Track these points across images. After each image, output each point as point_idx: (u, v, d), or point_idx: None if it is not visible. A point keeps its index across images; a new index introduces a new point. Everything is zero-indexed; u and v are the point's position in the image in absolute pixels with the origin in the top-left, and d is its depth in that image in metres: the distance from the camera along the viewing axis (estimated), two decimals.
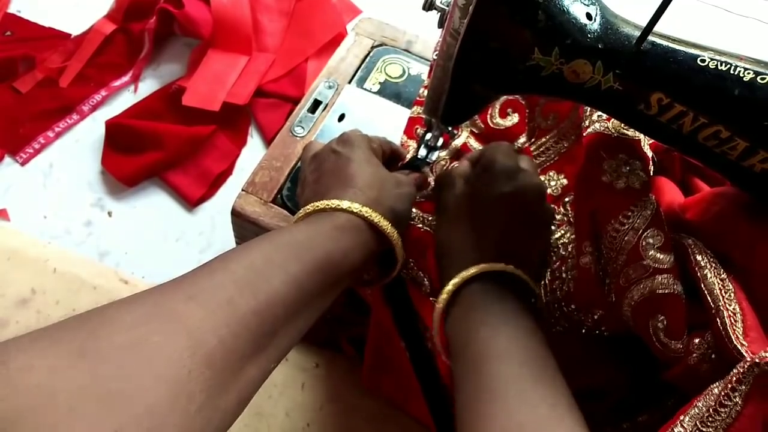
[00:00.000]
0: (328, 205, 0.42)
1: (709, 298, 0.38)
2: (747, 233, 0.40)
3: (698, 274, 0.39)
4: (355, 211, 0.42)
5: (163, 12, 0.73)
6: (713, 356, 0.38)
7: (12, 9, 0.78)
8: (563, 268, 0.46)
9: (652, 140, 0.45)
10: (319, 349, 0.55)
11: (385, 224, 0.43)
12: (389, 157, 0.53)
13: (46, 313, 0.56)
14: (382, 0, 0.80)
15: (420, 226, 0.52)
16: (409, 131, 0.56)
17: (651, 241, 0.39)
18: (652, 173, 0.43)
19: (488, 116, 0.57)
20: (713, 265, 0.39)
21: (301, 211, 0.44)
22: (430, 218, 0.52)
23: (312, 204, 0.43)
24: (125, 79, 0.74)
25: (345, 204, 0.42)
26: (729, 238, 0.41)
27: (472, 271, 0.42)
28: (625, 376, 0.45)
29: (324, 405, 0.52)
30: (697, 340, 0.39)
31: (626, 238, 0.40)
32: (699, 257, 0.39)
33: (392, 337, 0.48)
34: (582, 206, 0.43)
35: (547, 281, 0.47)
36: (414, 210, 0.52)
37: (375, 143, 0.50)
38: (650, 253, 0.39)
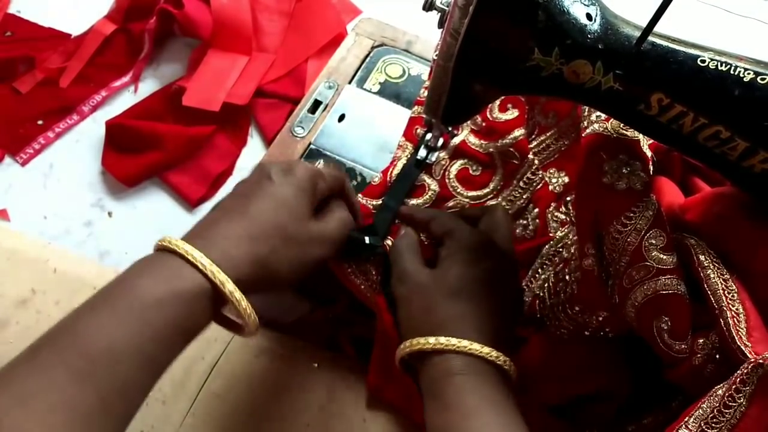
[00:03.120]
0: (175, 246, 0.37)
1: (712, 299, 0.38)
2: (747, 234, 0.40)
3: (701, 274, 0.39)
4: (204, 272, 0.37)
5: (163, 12, 0.73)
6: (717, 357, 0.38)
7: (12, 9, 0.78)
8: (566, 270, 0.46)
9: (652, 140, 0.45)
10: (319, 349, 0.55)
11: (234, 297, 0.37)
12: (338, 192, 0.48)
13: (46, 313, 0.56)
14: (382, 0, 0.80)
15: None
16: (408, 132, 0.56)
17: (653, 242, 0.39)
18: (651, 173, 0.43)
19: (488, 111, 0.57)
20: (716, 265, 0.39)
21: (162, 240, 0.39)
22: None
23: (167, 240, 0.38)
24: (125, 79, 0.73)
25: (198, 259, 0.37)
26: (730, 239, 0.41)
27: (479, 349, 0.40)
28: (629, 378, 0.45)
29: (324, 405, 0.52)
30: (701, 341, 0.39)
31: (629, 240, 0.40)
32: (702, 257, 0.39)
33: (395, 344, 0.47)
34: (583, 208, 0.43)
35: (550, 283, 0.47)
36: None
37: (323, 183, 0.45)
38: (653, 254, 0.39)
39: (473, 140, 0.56)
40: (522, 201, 0.53)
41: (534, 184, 0.53)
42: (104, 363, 0.32)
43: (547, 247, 0.50)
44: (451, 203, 0.53)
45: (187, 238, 0.39)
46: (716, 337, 0.38)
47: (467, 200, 0.54)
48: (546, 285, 0.48)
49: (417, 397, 0.47)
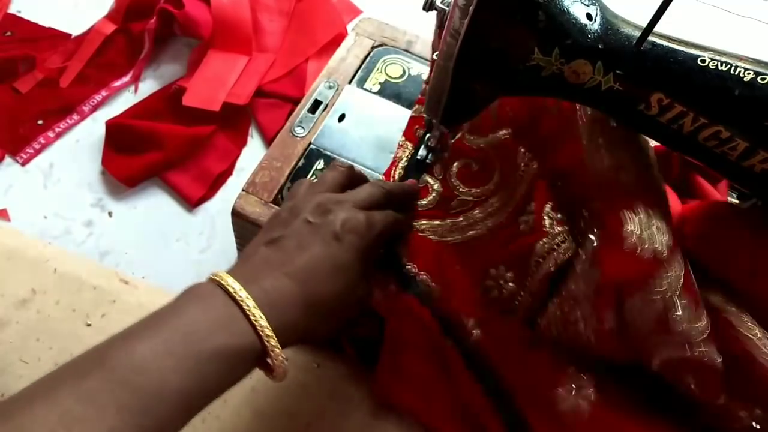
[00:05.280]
0: (240, 300, 0.37)
1: None
2: (748, 260, 0.40)
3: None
4: (260, 334, 0.37)
5: (163, 12, 0.73)
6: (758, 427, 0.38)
7: (12, 9, 0.78)
8: (578, 315, 0.44)
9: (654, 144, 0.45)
10: (319, 349, 0.55)
11: (279, 360, 0.38)
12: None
13: (46, 313, 0.56)
14: (382, 0, 0.80)
15: (432, 237, 0.51)
16: (408, 132, 0.56)
17: (679, 314, 0.38)
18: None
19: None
20: None
21: (221, 279, 0.38)
22: (439, 224, 0.52)
23: (230, 286, 0.37)
24: (125, 79, 0.74)
25: (259, 320, 0.37)
26: (730, 265, 0.40)
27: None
28: None
29: (324, 404, 0.52)
30: (742, 413, 0.38)
31: (653, 309, 0.38)
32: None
33: (419, 346, 0.46)
34: (605, 274, 0.41)
35: (557, 316, 0.46)
36: (425, 222, 0.52)
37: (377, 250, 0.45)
38: (678, 326, 0.38)
39: (468, 137, 0.55)
40: (519, 194, 0.52)
41: (528, 172, 0.52)
42: (153, 403, 0.32)
43: (540, 243, 0.49)
44: (454, 203, 0.53)
45: (244, 280, 0.38)
46: (761, 413, 0.38)
47: (470, 198, 0.53)
48: (552, 318, 0.47)
49: (428, 397, 0.47)
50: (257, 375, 0.53)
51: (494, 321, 0.47)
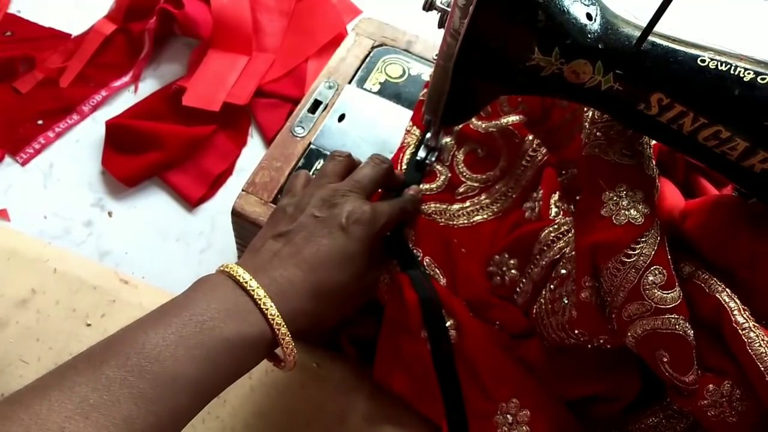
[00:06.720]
0: (251, 290, 0.38)
1: (759, 365, 0.37)
2: (748, 249, 0.40)
3: (742, 337, 0.38)
4: (271, 322, 0.38)
5: (163, 12, 0.73)
6: (724, 402, 0.38)
7: (12, 9, 0.78)
8: (564, 292, 0.45)
9: (655, 142, 0.44)
10: (319, 349, 0.55)
11: (289, 348, 0.39)
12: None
13: (46, 313, 0.56)
14: (382, 0, 0.80)
15: (440, 220, 0.51)
16: (416, 117, 0.56)
17: (652, 279, 0.39)
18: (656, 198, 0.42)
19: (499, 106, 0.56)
20: (757, 327, 0.38)
21: (232, 270, 0.39)
22: (446, 207, 0.52)
23: (241, 278, 0.38)
24: (125, 79, 0.74)
25: (269, 309, 0.37)
26: (731, 253, 0.40)
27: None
28: (637, 379, 0.45)
29: (324, 405, 0.52)
30: (711, 386, 0.38)
31: (627, 277, 0.39)
32: (740, 318, 0.38)
33: (410, 330, 0.46)
34: (581, 240, 0.42)
35: (546, 298, 0.47)
36: (433, 205, 0.52)
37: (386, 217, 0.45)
38: (651, 293, 0.39)
39: (476, 122, 0.55)
40: (525, 180, 0.52)
41: (536, 160, 0.52)
42: (167, 391, 0.33)
43: (546, 231, 0.49)
44: (461, 189, 0.53)
45: (254, 270, 0.39)
46: (730, 386, 0.38)
47: (477, 184, 0.53)
48: (540, 300, 0.47)
49: (425, 386, 0.47)
50: (257, 375, 0.53)
51: (475, 326, 0.47)
